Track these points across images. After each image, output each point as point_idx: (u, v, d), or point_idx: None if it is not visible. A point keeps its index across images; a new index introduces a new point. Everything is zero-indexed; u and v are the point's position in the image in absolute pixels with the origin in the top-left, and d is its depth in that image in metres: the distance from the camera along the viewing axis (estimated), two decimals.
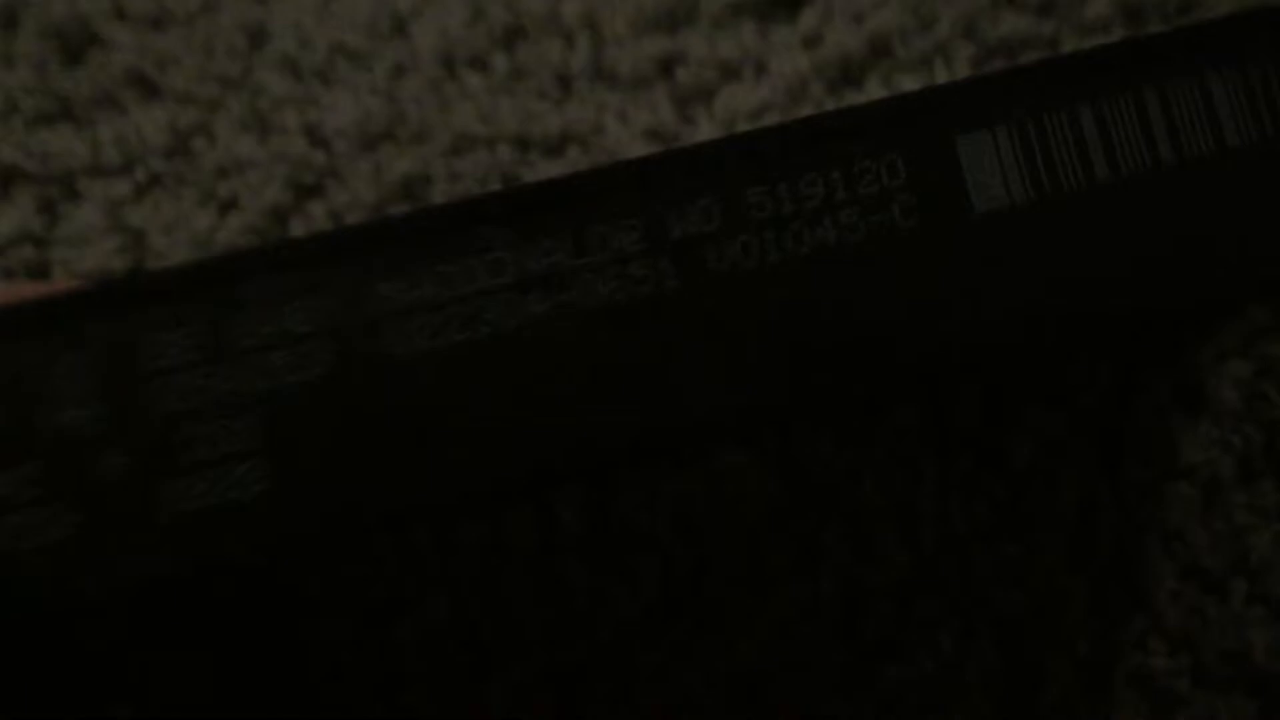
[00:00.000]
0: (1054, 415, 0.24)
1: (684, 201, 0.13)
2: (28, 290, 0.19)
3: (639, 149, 0.26)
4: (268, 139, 0.27)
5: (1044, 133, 0.13)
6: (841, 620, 0.23)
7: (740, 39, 0.27)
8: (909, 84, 0.26)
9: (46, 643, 0.14)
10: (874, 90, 0.26)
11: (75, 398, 0.12)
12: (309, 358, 0.12)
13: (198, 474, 0.12)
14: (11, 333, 0.12)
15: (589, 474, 0.13)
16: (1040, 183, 0.13)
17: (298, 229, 0.26)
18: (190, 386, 0.12)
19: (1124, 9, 0.26)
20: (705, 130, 0.26)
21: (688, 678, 0.23)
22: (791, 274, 0.13)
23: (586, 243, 0.13)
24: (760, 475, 0.24)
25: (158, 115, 0.27)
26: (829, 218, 0.13)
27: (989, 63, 0.26)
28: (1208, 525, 0.23)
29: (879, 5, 0.27)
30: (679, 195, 0.13)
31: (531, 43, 0.27)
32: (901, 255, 0.13)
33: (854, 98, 0.26)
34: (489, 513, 0.12)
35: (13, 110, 0.27)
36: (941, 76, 0.26)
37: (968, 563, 0.23)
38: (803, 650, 0.23)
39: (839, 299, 0.13)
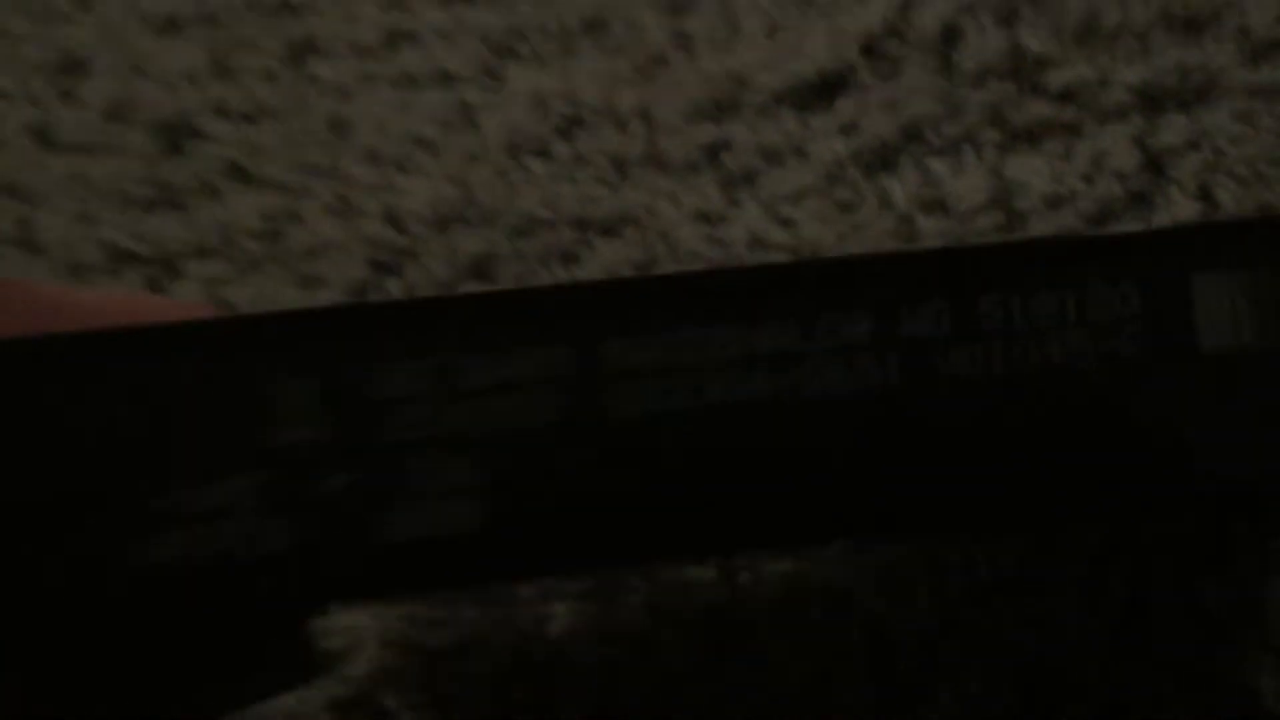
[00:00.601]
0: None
1: (916, 301, 0.13)
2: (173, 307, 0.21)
3: (689, 230, 0.28)
4: (350, 222, 0.29)
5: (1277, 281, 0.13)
6: (870, 664, 0.25)
7: (782, 126, 0.29)
8: (939, 167, 0.28)
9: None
10: (907, 173, 0.28)
11: (303, 416, 0.12)
12: (535, 405, 0.13)
13: (415, 504, 0.12)
14: (243, 345, 0.12)
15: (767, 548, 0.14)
16: (1270, 330, 0.13)
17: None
18: (417, 418, 0.12)
19: (1142, 95, 0.28)
20: (751, 212, 0.28)
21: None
22: (1015, 387, 0.13)
23: (815, 330, 0.13)
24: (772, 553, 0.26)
25: (251, 201, 0.30)
26: (1057, 338, 0.13)
27: (1014, 147, 0.28)
28: (1220, 575, 0.24)
29: (911, 93, 0.29)
30: (911, 294, 0.13)
31: (589, 131, 0.29)
32: (1126, 384, 0.13)
33: (889, 181, 0.28)
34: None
35: (124, 198, 0.30)
36: (970, 162, 0.28)
37: (992, 610, 0.25)
38: (835, 693, 0.25)
39: (1058, 418, 0.13)
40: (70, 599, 0.12)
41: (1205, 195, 0.27)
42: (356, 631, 0.25)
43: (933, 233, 0.27)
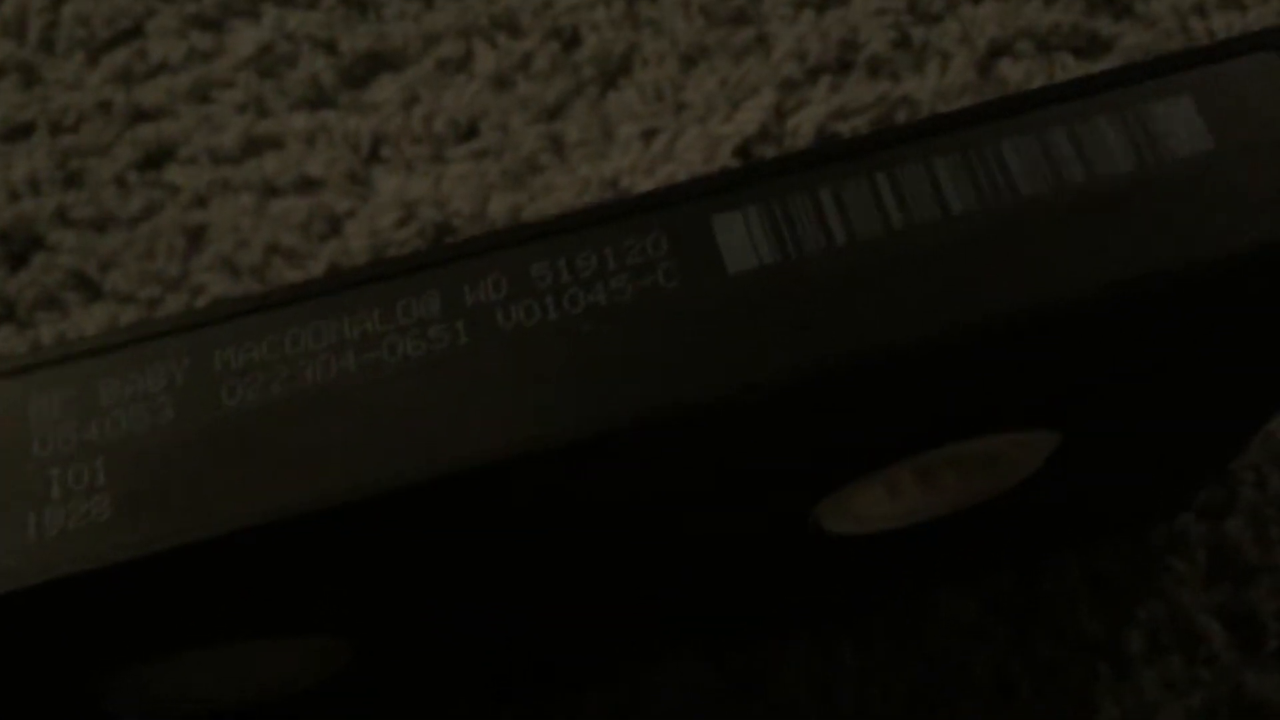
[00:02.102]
0: (967, 600, 0.24)
1: (478, 276, 0.15)
2: None
3: None
4: None
5: (787, 210, 0.15)
6: None
7: None
8: None
9: None
10: None
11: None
12: (158, 409, 0.15)
13: (57, 508, 0.14)
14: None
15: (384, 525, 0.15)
16: (785, 248, 0.15)
17: None
18: (61, 436, 0.15)
19: None
20: None
21: None
22: (567, 329, 0.15)
23: (394, 310, 0.15)
24: (683, 665, 0.24)
25: (98, 315, 0.28)
26: (601, 284, 0.15)
27: None
28: (1119, 701, 0.23)
29: None
30: (474, 270, 0.15)
31: (460, 239, 0.28)
32: (666, 312, 0.15)
33: None
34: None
35: None
36: None
37: None
38: None
39: (607, 349, 0.15)
40: None
41: None
42: None
43: None
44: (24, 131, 0.30)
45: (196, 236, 0.29)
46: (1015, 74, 0.29)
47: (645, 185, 0.28)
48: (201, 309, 0.15)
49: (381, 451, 0.14)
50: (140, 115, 0.30)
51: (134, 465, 0.14)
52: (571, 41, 0.30)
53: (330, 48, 0.30)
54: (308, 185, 0.29)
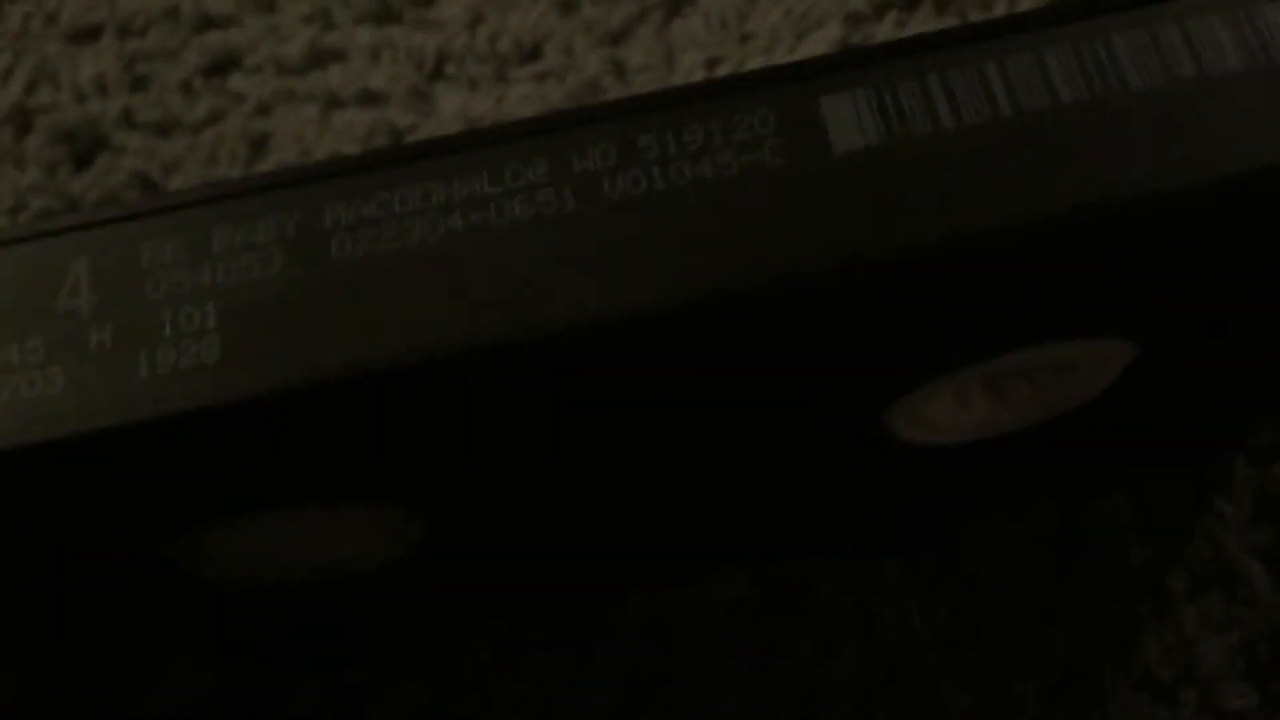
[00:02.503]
0: (1012, 527, 0.25)
1: (585, 145, 0.15)
2: None
3: None
4: None
5: (895, 94, 0.16)
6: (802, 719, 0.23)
7: None
8: None
9: None
10: None
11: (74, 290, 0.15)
12: (269, 258, 0.15)
13: (168, 346, 0.14)
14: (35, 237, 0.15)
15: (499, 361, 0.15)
16: (892, 129, 0.15)
17: None
18: (172, 278, 0.15)
19: None
20: None
21: None
22: (673, 199, 0.15)
23: (502, 175, 0.15)
24: (726, 574, 0.25)
25: None
26: (707, 158, 0.15)
27: None
28: (1159, 636, 0.24)
29: None
30: (581, 140, 0.15)
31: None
32: (771, 188, 0.15)
33: None
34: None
35: (21, 208, 0.28)
36: None
37: (927, 665, 0.24)
38: None
39: (711, 221, 0.15)
40: None
41: None
42: None
43: None
44: (92, 34, 0.30)
45: (259, 145, 0.29)
46: None
47: None
48: (313, 164, 0.15)
49: (484, 309, 0.15)
50: (208, 22, 0.30)
51: (243, 311, 0.14)
52: None
53: None
54: (371, 99, 0.29)
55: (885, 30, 0.29)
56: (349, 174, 0.15)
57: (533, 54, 0.30)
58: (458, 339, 0.14)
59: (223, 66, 0.30)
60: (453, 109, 0.29)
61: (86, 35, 0.30)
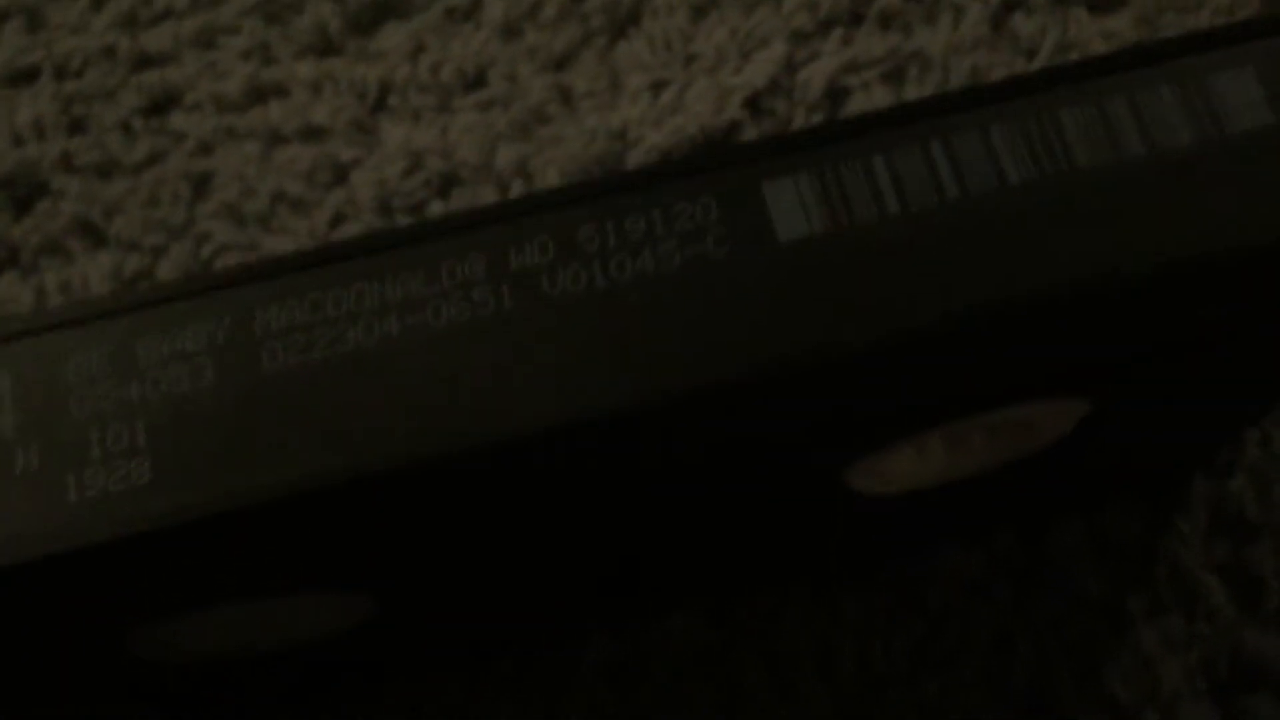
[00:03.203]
0: (971, 556, 0.24)
1: (523, 238, 0.15)
2: None
3: None
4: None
5: (840, 179, 0.15)
6: None
7: None
8: None
9: None
10: None
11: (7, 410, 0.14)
12: (196, 371, 0.14)
13: (97, 469, 0.14)
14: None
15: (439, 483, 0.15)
16: (836, 217, 0.15)
17: None
18: (99, 395, 0.14)
19: None
20: None
21: None
22: (615, 297, 0.15)
23: (438, 273, 0.15)
24: (686, 616, 0.24)
25: (104, 262, 0.28)
26: (649, 250, 0.15)
27: None
28: (1119, 659, 0.24)
29: None
30: (519, 233, 0.15)
31: (467, 190, 0.28)
32: (715, 282, 0.15)
33: None
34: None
35: None
36: None
37: (888, 700, 0.24)
38: None
39: (655, 319, 0.15)
40: None
41: None
42: None
43: None
44: (28, 76, 0.30)
45: (201, 184, 0.29)
46: (1028, 28, 0.29)
47: (654, 138, 0.28)
48: (242, 266, 0.15)
49: (422, 420, 0.14)
50: (145, 61, 0.30)
51: (174, 427, 0.14)
52: None
53: None
54: (313, 134, 0.29)
55: (831, 47, 0.29)
56: (282, 274, 0.15)
57: (476, 82, 0.29)
58: (397, 452, 0.14)
59: (162, 105, 0.29)
60: (397, 141, 0.29)
61: (23, 78, 0.29)
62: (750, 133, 0.28)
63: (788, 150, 0.15)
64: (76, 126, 0.29)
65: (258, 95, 0.29)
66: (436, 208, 0.28)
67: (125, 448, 0.14)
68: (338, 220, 0.28)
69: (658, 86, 0.29)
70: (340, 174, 0.29)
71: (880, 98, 0.28)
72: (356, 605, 0.18)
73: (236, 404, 0.14)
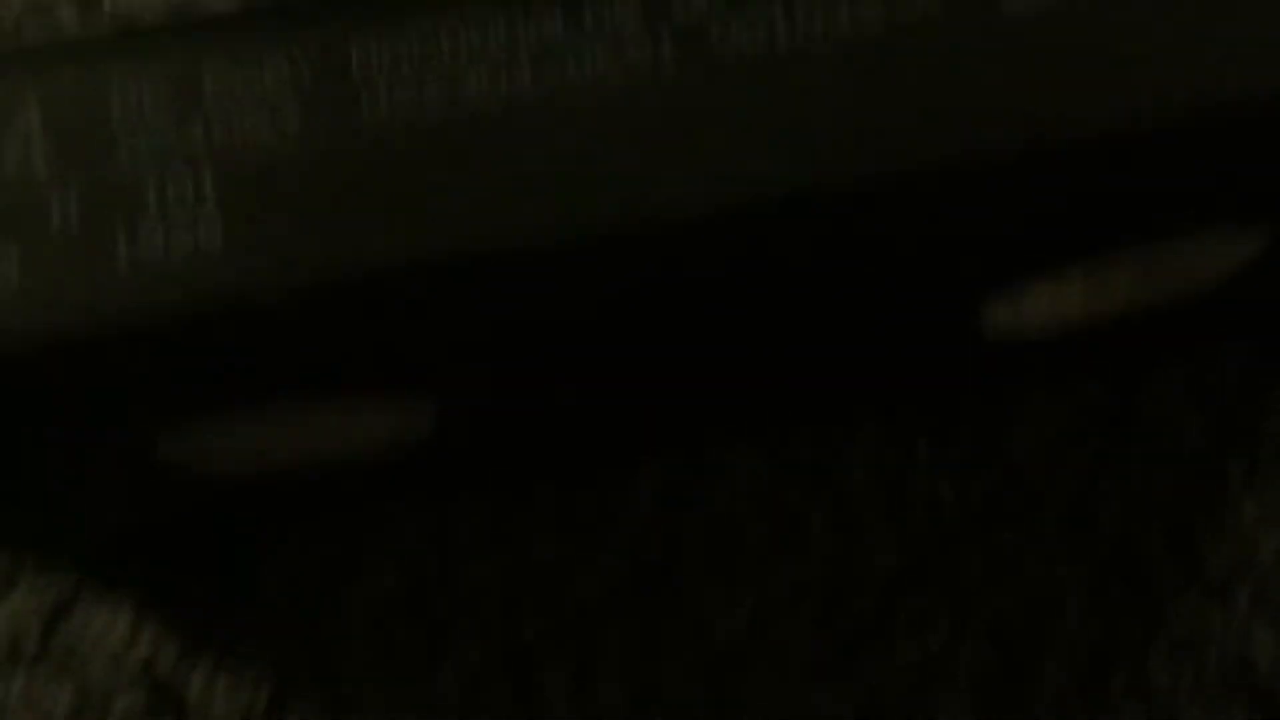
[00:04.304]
0: (1056, 405, 0.23)
1: None
2: None
3: None
4: None
5: None
6: (823, 609, 0.22)
7: None
8: None
9: None
10: None
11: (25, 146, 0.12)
12: (278, 114, 0.12)
13: (154, 224, 0.11)
14: None
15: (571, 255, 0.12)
16: None
17: None
18: (154, 135, 0.12)
19: None
20: None
21: (654, 665, 0.21)
22: (797, 60, 0.12)
23: (581, 16, 0.12)
24: (743, 449, 0.22)
25: None
26: (845, 6, 0.12)
27: None
28: (1213, 527, 0.22)
29: None
30: None
31: None
32: (922, 52, 0.12)
33: None
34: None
35: None
36: None
37: (960, 552, 0.22)
38: (779, 640, 0.22)
39: (846, 93, 0.12)
40: None
41: None
42: None
43: None
44: None
45: None
46: None
47: None
48: None
49: (555, 195, 0.12)
50: None
51: (249, 181, 0.11)
52: None
53: None
54: None
55: None
56: (383, 2, 0.12)
57: None
58: (519, 233, 0.11)
59: None
60: None
61: None
62: None
63: None
64: None
65: None
66: None
67: (190, 201, 0.11)
68: None
69: None
70: None
71: None
72: (412, 417, 0.16)
73: (327, 158, 0.12)
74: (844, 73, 0.12)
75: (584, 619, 0.22)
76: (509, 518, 0.22)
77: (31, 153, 0.11)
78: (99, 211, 0.11)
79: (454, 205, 0.11)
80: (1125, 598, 0.22)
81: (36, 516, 0.17)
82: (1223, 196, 0.14)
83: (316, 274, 0.11)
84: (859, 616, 0.22)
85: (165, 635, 0.21)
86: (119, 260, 0.11)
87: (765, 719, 0.21)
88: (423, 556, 0.22)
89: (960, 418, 0.23)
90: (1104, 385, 0.23)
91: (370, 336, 0.12)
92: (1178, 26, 0.12)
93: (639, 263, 0.12)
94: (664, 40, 0.12)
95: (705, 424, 0.21)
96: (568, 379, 0.16)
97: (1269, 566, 0.22)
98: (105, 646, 0.21)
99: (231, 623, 0.21)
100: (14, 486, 0.15)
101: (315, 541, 0.22)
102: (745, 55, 0.12)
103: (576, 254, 0.12)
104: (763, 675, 0.21)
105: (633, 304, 0.13)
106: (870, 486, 0.22)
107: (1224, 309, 0.20)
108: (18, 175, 0.11)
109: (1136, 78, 0.12)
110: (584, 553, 0.22)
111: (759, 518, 0.22)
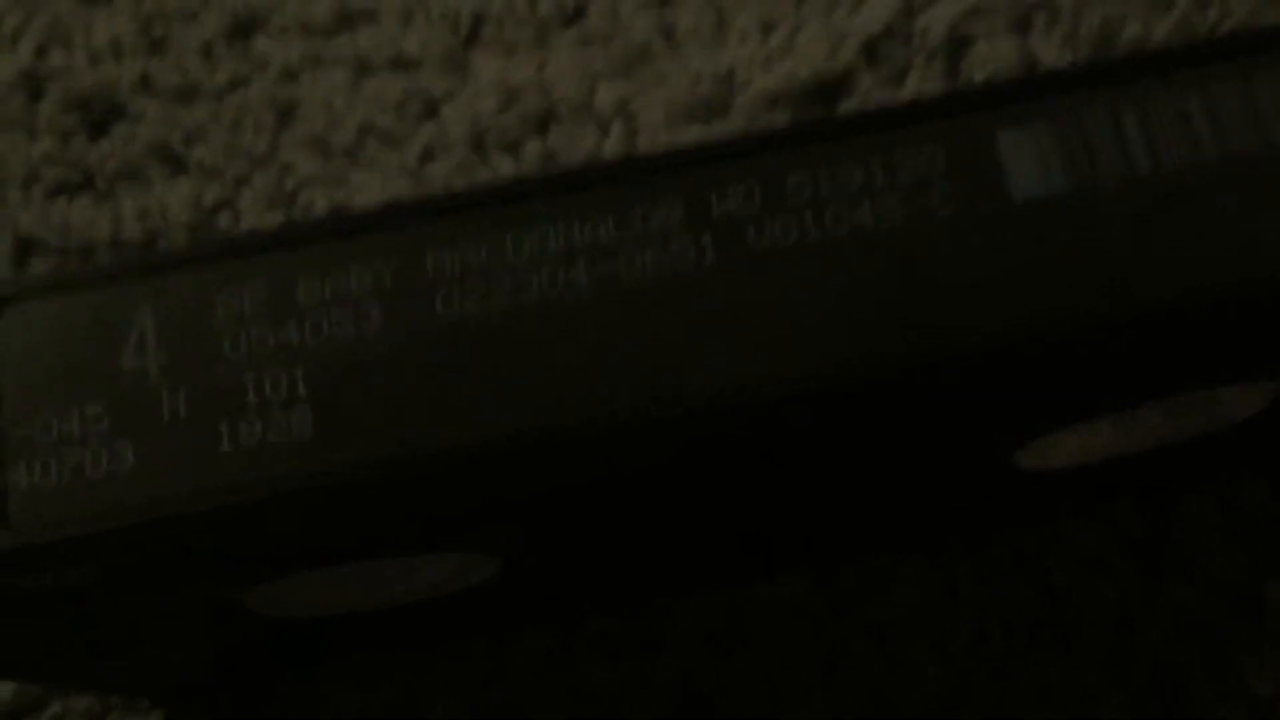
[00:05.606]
0: (1092, 530, 0.23)
1: (726, 183, 0.13)
2: None
3: None
4: (292, 215, 0.26)
5: (1083, 130, 0.13)
6: None
7: None
8: None
9: None
10: None
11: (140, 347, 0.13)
12: (363, 315, 0.13)
13: (251, 417, 0.13)
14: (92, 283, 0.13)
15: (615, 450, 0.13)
16: (1080, 174, 0.13)
17: None
18: (253, 336, 0.13)
19: None
20: None
21: None
22: (828, 253, 0.13)
23: (630, 218, 0.13)
24: (789, 582, 0.23)
25: (183, 190, 0.27)
26: (867, 202, 0.13)
27: None
28: (1255, 647, 0.22)
29: None
30: (720, 177, 0.13)
31: (564, 129, 0.27)
32: (938, 238, 0.13)
33: None
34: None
35: (34, 179, 0.27)
36: None
37: (1003, 681, 0.22)
38: None
39: (869, 280, 0.13)
40: None
41: None
42: None
43: None
44: None
45: (286, 113, 0.27)
46: None
47: (763, 81, 0.27)
48: (410, 201, 0.13)
49: (613, 380, 0.13)
50: None
51: (337, 376, 0.13)
52: None
53: None
54: (403, 64, 0.28)
55: None
56: (453, 212, 0.13)
57: (576, 15, 0.28)
58: (583, 416, 0.13)
59: (246, 28, 0.28)
60: (490, 76, 0.27)
61: None
62: (865, 81, 0.26)
63: (1025, 97, 0.14)
64: (156, 47, 0.28)
65: (346, 21, 0.28)
66: (534, 147, 0.26)
67: (284, 397, 0.13)
68: (428, 155, 0.27)
69: (767, 28, 0.27)
70: (431, 107, 0.27)
71: (1005, 49, 0.26)
72: (481, 566, 0.17)
73: (406, 353, 0.13)
74: (870, 263, 0.13)
75: None
76: (567, 645, 0.23)
77: (144, 354, 0.13)
78: (204, 406, 0.13)
79: (518, 391, 0.13)
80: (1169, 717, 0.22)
81: (124, 664, 0.18)
82: (1238, 364, 0.15)
83: (398, 456, 0.12)
84: None
85: None
86: (222, 448, 0.12)
87: None
88: (486, 688, 0.23)
89: (998, 543, 0.23)
90: (1137, 509, 0.23)
91: (446, 510, 0.13)
92: (1189, 212, 0.13)
93: (692, 438, 0.13)
94: (705, 236, 0.13)
95: (754, 563, 0.22)
96: (630, 534, 0.17)
97: None
98: None
99: None
100: (111, 636, 0.16)
101: (381, 680, 0.23)
102: (779, 249, 0.13)
103: (638, 430, 0.13)
104: None
105: (687, 474, 0.14)
106: (914, 616, 0.23)
107: (1251, 440, 0.21)
108: (132, 373, 0.13)
109: (1141, 262, 0.13)
110: (639, 680, 0.23)
111: (806, 647, 0.23)
